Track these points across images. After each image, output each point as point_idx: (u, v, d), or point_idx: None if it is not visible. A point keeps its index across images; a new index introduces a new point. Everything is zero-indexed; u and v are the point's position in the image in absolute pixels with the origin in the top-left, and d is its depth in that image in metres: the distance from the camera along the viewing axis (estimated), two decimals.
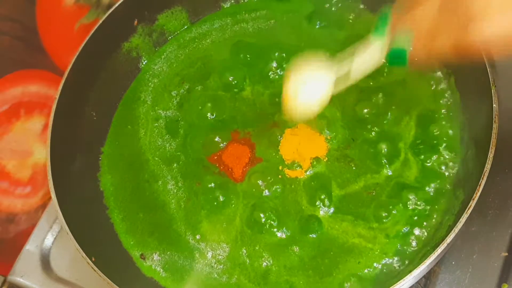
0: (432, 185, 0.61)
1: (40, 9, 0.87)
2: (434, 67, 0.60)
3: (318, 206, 0.63)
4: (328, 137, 0.66)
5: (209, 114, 0.72)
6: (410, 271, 0.51)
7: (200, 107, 0.72)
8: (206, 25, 0.81)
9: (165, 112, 0.74)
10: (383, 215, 0.60)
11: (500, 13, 0.42)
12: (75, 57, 0.69)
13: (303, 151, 0.66)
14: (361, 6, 0.75)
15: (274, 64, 0.73)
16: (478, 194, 0.52)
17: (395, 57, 0.49)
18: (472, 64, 0.59)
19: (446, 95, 0.66)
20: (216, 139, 0.69)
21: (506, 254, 0.60)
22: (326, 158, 0.66)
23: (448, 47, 0.44)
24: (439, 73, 0.67)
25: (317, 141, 0.67)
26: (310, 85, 0.55)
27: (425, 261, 0.51)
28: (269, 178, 0.65)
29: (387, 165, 0.63)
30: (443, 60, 0.47)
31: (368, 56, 0.52)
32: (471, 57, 0.43)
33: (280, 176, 0.65)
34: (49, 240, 0.73)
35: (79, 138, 0.71)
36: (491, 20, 0.42)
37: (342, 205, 0.63)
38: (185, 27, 0.81)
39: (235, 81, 0.73)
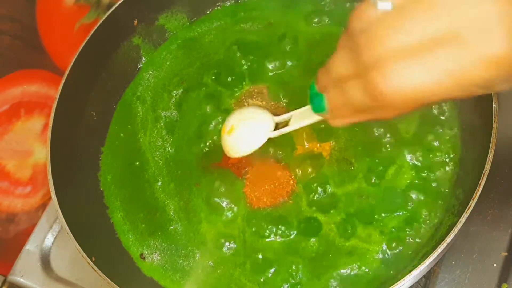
0: (431, 184, 0.61)
1: (40, 9, 0.87)
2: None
3: (318, 208, 0.63)
4: (332, 142, 0.66)
5: (208, 113, 0.72)
6: (410, 271, 0.51)
7: (199, 107, 0.72)
8: (205, 25, 0.81)
9: (164, 112, 0.74)
10: (382, 215, 0.60)
11: (399, 61, 0.33)
12: (75, 57, 0.69)
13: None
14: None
15: (274, 64, 0.73)
16: (478, 194, 0.52)
17: (315, 105, 0.45)
18: None
19: None
20: (217, 140, 0.69)
21: (506, 254, 0.60)
22: (329, 157, 0.65)
23: (360, 97, 0.37)
24: None
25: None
26: (248, 123, 0.58)
27: (425, 261, 0.51)
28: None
29: (384, 166, 0.63)
30: (362, 114, 0.38)
31: (304, 114, 0.54)
32: (393, 110, 0.36)
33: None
34: (49, 240, 0.73)
35: (79, 138, 0.71)
36: (394, 67, 0.33)
37: (340, 206, 0.62)
38: (185, 26, 0.81)
39: (235, 81, 0.73)
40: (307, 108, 0.51)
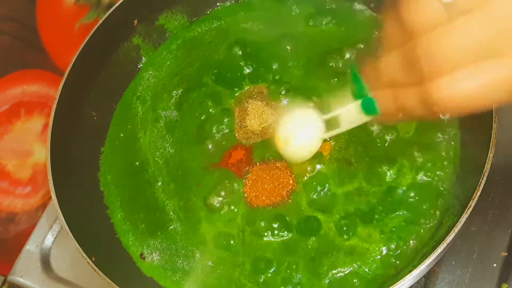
0: (431, 184, 0.61)
1: (40, 9, 0.87)
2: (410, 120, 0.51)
3: (317, 207, 0.63)
4: (332, 142, 0.66)
5: (208, 113, 0.72)
6: (410, 271, 0.51)
7: (199, 107, 0.72)
8: (205, 25, 0.81)
9: (164, 112, 0.74)
10: (382, 215, 0.60)
11: (457, 69, 0.35)
12: (75, 57, 0.69)
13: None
14: (359, 6, 0.75)
15: (274, 63, 0.73)
16: (478, 194, 0.52)
17: (366, 107, 0.46)
18: None
19: None
20: (216, 140, 0.69)
21: (506, 254, 0.60)
22: (329, 157, 0.65)
23: (414, 104, 0.39)
24: None
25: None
26: (302, 131, 0.58)
27: (425, 261, 0.51)
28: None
29: (384, 165, 0.63)
30: (413, 116, 0.40)
31: (353, 112, 0.51)
32: (445, 114, 0.38)
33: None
34: (49, 240, 0.73)
35: (79, 138, 0.71)
36: (449, 79, 0.35)
37: (340, 206, 0.62)
38: (185, 26, 0.81)
39: (235, 81, 0.73)
40: (354, 105, 0.50)
